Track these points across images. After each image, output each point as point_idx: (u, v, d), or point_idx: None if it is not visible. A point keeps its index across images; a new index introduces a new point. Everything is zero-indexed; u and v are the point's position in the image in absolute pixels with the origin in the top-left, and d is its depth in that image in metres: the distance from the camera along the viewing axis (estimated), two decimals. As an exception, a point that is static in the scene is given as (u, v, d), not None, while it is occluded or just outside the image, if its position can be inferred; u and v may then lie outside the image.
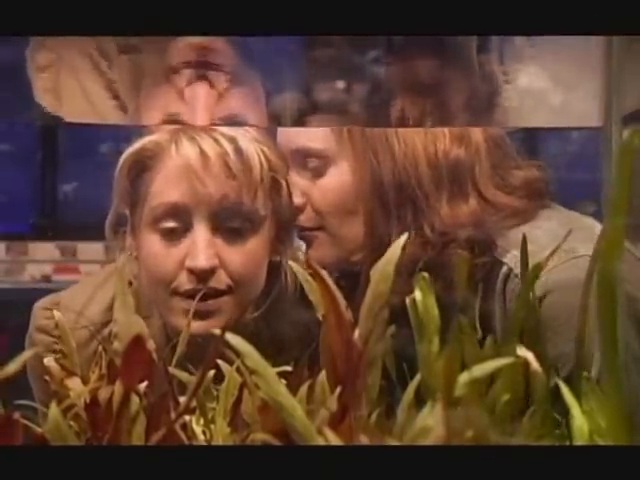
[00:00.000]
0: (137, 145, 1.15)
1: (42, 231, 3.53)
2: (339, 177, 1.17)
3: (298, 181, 1.19)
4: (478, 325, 0.85)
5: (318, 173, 1.18)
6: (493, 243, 1.11)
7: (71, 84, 1.09)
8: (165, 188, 1.13)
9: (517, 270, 1.07)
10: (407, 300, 0.78)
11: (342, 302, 0.75)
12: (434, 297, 0.77)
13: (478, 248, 1.09)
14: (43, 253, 3.49)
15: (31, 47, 1.04)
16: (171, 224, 1.13)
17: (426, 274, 0.78)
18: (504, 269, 1.09)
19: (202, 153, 1.12)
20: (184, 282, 1.13)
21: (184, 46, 1.15)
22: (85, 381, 0.91)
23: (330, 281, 0.75)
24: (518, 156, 1.19)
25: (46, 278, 3.45)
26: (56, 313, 1.00)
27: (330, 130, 1.16)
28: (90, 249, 3.39)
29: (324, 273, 0.74)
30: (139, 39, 1.03)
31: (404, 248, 1.09)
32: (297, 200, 1.19)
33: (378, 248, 1.07)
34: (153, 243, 1.14)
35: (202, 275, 1.12)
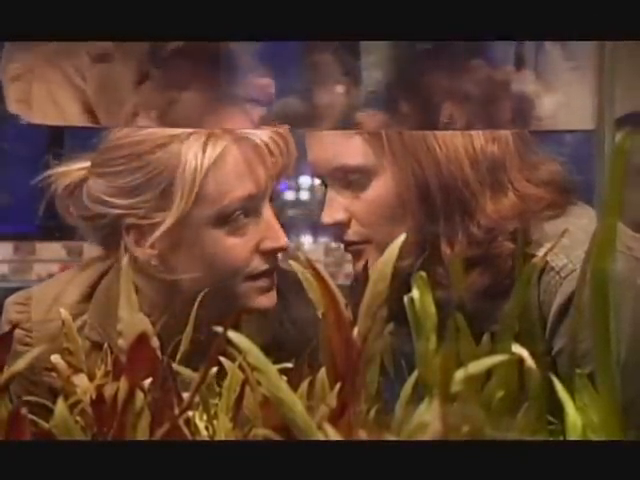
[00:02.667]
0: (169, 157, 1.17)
1: (49, 231, 3.54)
2: (382, 188, 1.15)
3: (339, 198, 1.18)
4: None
5: (360, 187, 1.16)
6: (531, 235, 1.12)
7: (43, 94, 1.09)
8: (227, 186, 1.17)
9: (553, 263, 1.09)
10: (405, 299, 0.79)
11: (341, 301, 0.76)
12: (431, 295, 0.78)
13: (522, 240, 1.10)
14: (50, 253, 3.50)
15: (3, 56, 1.03)
16: (239, 217, 1.19)
17: (424, 273, 0.79)
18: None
19: (256, 146, 1.18)
20: (259, 264, 1.21)
21: None
22: (89, 378, 0.92)
23: (330, 280, 0.76)
24: (539, 151, 1.19)
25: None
26: (63, 311, 1.00)
27: (368, 142, 1.15)
28: (95, 249, 3.39)
29: (324, 272, 0.75)
30: (114, 45, 1.02)
31: (452, 249, 1.12)
32: (340, 216, 1.18)
33: (427, 250, 1.11)
34: (217, 240, 1.19)
35: (281, 252, 1.23)
